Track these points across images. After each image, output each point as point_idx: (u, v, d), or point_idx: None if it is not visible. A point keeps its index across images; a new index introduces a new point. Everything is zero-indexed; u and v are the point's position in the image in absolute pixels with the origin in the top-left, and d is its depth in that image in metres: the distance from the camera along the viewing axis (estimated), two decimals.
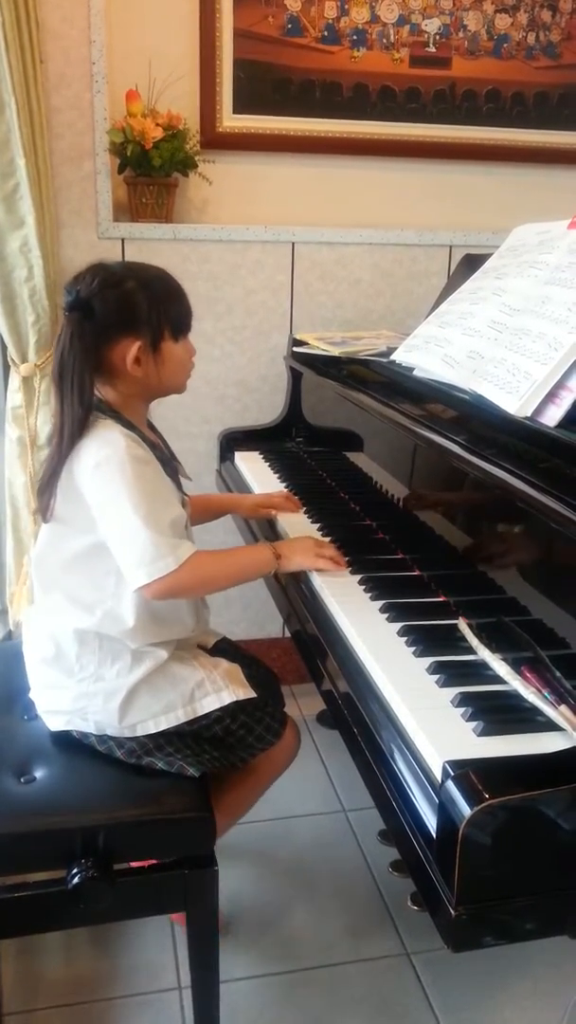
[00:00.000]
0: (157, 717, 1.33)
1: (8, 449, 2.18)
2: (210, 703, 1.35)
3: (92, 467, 1.24)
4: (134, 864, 1.34)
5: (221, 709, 1.35)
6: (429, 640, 1.16)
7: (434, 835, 0.85)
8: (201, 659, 1.42)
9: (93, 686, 1.33)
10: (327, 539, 1.50)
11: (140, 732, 1.32)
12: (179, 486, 1.41)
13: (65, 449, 1.26)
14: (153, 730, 1.32)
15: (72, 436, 1.26)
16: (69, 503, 1.29)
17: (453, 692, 1.03)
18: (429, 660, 1.11)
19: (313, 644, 1.31)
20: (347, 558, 1.43)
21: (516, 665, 1.06)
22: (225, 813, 1.47)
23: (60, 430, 1.27)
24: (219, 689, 1.36)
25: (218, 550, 1.44)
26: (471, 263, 1.71)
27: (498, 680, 1.05)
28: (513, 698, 1.01)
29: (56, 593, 1.36)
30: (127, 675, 1.33)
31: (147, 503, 1.23)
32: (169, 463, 1.40)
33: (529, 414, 1.19)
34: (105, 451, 1.24)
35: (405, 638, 1.18)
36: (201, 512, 1.65)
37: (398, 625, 1.21)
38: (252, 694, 1.39)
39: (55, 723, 1.37)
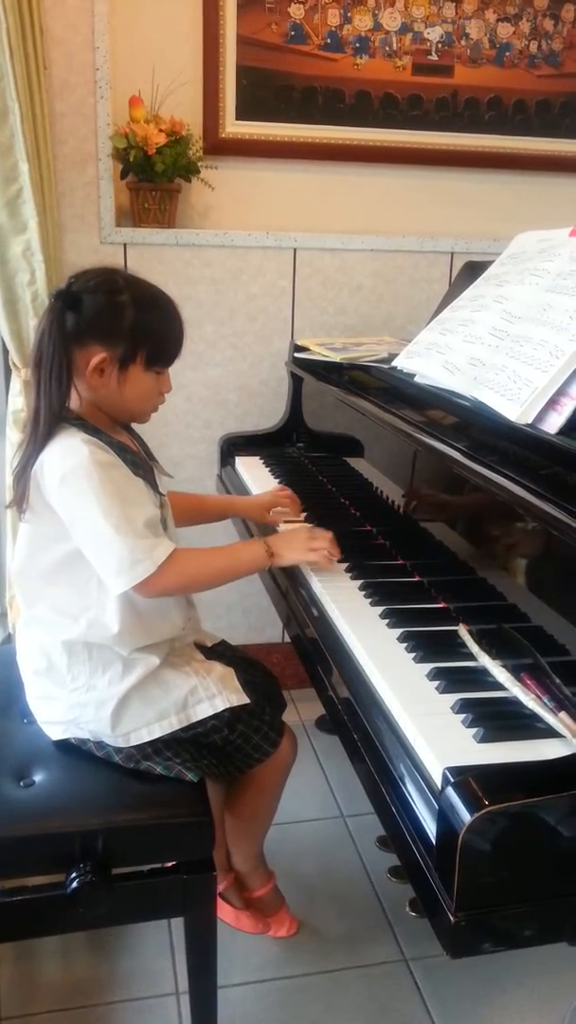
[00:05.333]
0: (151, 725, 1.33)
1: (9, 452, 2.18)
2: (203, 710, 1.35)
3: (58, 480, 1.23)
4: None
5: (216, 717, 1.35)
6: (429, 646, 1.16)
7: (434, 841, 0.86)
8: (195, 664, 1.41)
9: (85, 696, 1.33)
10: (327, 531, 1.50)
11: (134, 741, 1.32)
12: (155, 486, 1.38)
13: (41, 437, 1.24)
14: (147, 738, 1.32)
15: (49, 424, 1.24)
16: (41, 508, 1.27)
17: (453, 698, 1.03)
18: (429, 666, 1.11)
19: (313, 649, 1.31)
20: (347, 563, 1.44)
21: (516, 671, 1.06)
22: (246, 819, 1.52)
23: (36, 417, 1.26)
24: (212, 696, 1.36)
25: (206, 548, 1.43)
26: (472, 270, 1.72)
27: (498, 687, 1.05)
28: (513, 705, 1.02)
29: (40, 605, 1.35)
30: (119, 683, 1.32)
31: (118, 508, 1.22)
32: (143, 463, 1.37)
33: (530, 421, 1.19)
34: (70, 461, 1.23)
35: (405, 644, 1.18)
36: (196, 513, 1.64)
37: (398, 631, 1.21)
38: (246, 700, 1.38)
39: (53, 733, 1.37)
